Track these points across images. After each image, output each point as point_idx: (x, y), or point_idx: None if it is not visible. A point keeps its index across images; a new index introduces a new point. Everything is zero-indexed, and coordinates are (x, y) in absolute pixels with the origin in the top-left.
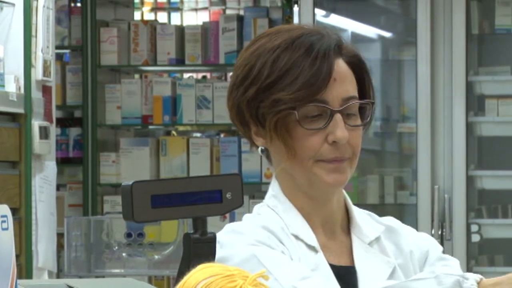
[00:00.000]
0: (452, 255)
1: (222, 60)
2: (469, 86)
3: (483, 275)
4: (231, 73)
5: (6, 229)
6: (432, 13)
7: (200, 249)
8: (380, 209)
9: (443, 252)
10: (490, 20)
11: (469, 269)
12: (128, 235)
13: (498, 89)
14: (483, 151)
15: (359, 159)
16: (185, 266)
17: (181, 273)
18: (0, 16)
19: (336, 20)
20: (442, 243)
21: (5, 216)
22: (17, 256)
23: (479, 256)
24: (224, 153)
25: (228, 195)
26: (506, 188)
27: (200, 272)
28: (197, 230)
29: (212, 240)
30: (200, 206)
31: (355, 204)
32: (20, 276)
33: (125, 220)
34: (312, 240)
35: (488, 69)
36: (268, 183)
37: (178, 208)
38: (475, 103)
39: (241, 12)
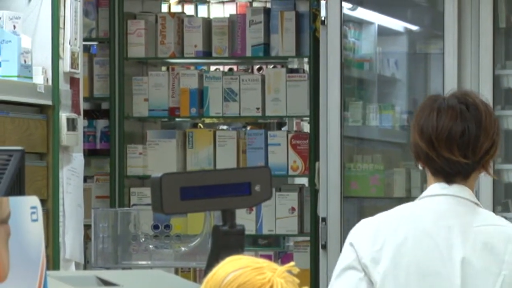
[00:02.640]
0: None
1: (249, 53)
2: (496, 80)
3: None
4: (257, 66)
5: (36, 220)
6: (459, 7)
7: (229, 241)
8: (406, 203)
9: None
10: None
11: None
12: (155, 227)
13: None
14: (510, 145)
15: (385, 152)
16: (214, 258)
17: (210, 265)
18: (28, 8)
19: (363, 13)
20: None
21: (35, 207)
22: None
23: None
24: (251, 145)
25: (257, 188)
26: None
27: (229, 264)
28: (226, 222)
29: (241, 233)
30: (229, 198)
31: (381, 198)
32: (47, 267)
33: (154, 212)
34: None
35: None
36: (294, 176)
37: (207, 200)
38: (502, 96)
39: (268, 5)
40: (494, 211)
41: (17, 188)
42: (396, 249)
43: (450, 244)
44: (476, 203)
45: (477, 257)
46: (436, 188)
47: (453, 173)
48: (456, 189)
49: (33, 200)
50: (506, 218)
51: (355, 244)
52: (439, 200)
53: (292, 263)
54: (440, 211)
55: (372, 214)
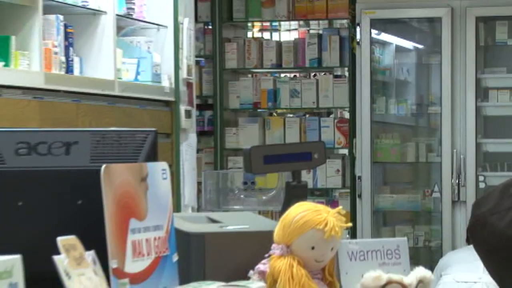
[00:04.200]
0: (465, 198)
1: (307, 64)
2: (478, 81)
3: None
4: (313, 73)
5: (165, 178)
6: (452, 32)
7: (297, 192)
8: (415, 166)
9: (459, 195)
10: (492, 35)
11: None
12: (245, 183)
13: (497, 83)
14: (487, 126)
15: (401, 131)
16: (287, 204)
17: (284, 209)
18: (158, 34)
19: (385, 37)
20: (458, 189)
21: (165, 169)
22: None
23: None
24: (309, 127)
25: (316, 156)
26: (503, 150)
27: (297, 208)
28: (294, 179)
29: (305, 186)
30: (296, 163)
31: (395, 164)
32: (173, 210)
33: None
34: None
35: (491, 69)
36: (338, 148)
37: (281, 164)
38: (482, 93)
39: (320, 31)
40: (476, 171)
41: (152, 157)
42: None
43: None
44: None
45: None
46: None
47: None
48: None
49: (163, 165)
50: (484, 176)
51: None
52: None
53: (340, 207)
54: None
55: (391, 174)
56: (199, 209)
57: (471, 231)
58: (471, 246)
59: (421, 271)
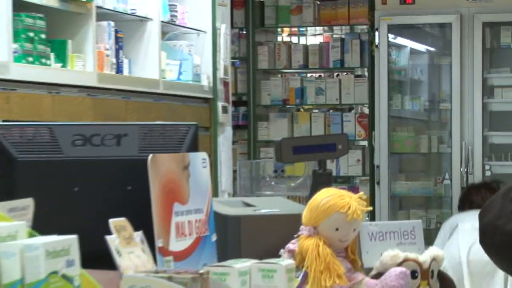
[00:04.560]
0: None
1: (331, 65)
2: (484, 80)
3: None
4: (336, 73)
5: (205, 167)
6: (461, 36)
7: (322, 179)
8: (427, 156)
9: (467, 182)
10: (497, 39)
11: None
12: (275, 171)
13: (502, 82)
14: (493, 120)
15: (415, 124)
16: (314, 189)
17: (311, 194)
18: (198, 39)
19: (401, 40)
20: (467, 177)
21: (205, 159)
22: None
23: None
24: (332, 122)
25: (339, 147)
26: (507, 142)
27: (323, 193)
28: (320, 168)
29: (330, 174)
30: (322, 153)
31: (410, 154)
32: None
33: (276, 161)
34: None
35: (496, 69)
36: (359, 140)
37: (308, 154)
38: (488, 90)
39: (343, 36)
40: (483, 160)
41: (193, 147)
42: None
43: None
44: None
45: None
46: None
47: None
48: None
49: (203, 155)
50: (490, 165)
51: None
52: None
53: (361, 193)
54: None
55: (406, 163)
56: (234, 194)
57: (482, 239)
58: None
59: (434, 250)
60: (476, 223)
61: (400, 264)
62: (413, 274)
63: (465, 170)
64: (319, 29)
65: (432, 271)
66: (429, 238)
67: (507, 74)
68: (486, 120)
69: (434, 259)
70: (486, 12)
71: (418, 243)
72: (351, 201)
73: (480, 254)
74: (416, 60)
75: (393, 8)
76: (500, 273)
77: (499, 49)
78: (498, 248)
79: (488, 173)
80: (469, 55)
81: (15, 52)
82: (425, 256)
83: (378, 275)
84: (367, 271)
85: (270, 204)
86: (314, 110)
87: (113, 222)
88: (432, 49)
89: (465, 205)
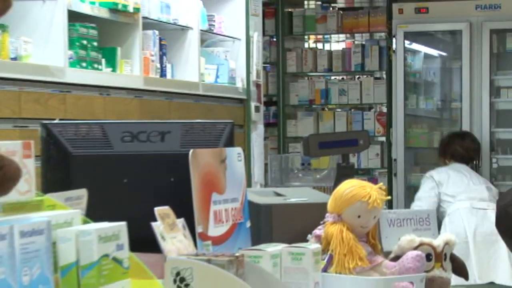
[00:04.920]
0: (482, 175)
1: (352, 69)
2: (491, 82)
3: (497, 187)
4: (357, 76)
5: (240, 160)
6: (470, 41)
7: (345, 171)
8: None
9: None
10: (503, 44)
11: (491, 181)
12: (302, 164)
13: (508, 83)
14: (499, 118)
15: (429, 122)
16: (337, 181)
17: (336, 185)
18: (233, 46)
19: (416, 46)
20: (476, 169)
21: (240, 153)
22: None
23: (498, 175)
24: (354, 119)
25: (361, 142)
26: (511, 138)
27: (346, 184)
28: (343, 161)
29: (352, 167)
30: (345, 148)
31: (424, 148)
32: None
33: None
34: None
35: (502, 72)
36: (378, 136)
37: (333, 149)
38: (494, 91)
39: (363, 42)
40: (490, 154)
41: (229, 143)
42: None
43: None
44: None
45: None
46: None
47: None
48: None
49: (238, 150)
50: (497, 158)
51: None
52: None
53: (381, 183)
54: None
55: (421, 157)
56: (266, 185)
57: (497, 222)
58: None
59: (447, 235)
60: (472, 195)
61: (416, 248)
62: (428, 257)
63: (474, 163)
64: (342, 36)
65: (445, 254)
66: (440, 224)
67: None
68: (493, 117)
69: (447, 243)
70: (493, 20)
71: (432, 228)
72: (371, 191)
73: (485, 235)
74: (430, 63)
75: (409, 17)
76: (504, 253)
77: (505, 53)
78: (509, 231)
79: (495, 165)
80: (478, 59)
81: (70, 58)
82: (438, 241)
83: (396, 258)
84: (386, 254)
85: (298, 194)
86: (337, 109)
87: (158, 210)
88: (444, 53)
89: (446, 154)
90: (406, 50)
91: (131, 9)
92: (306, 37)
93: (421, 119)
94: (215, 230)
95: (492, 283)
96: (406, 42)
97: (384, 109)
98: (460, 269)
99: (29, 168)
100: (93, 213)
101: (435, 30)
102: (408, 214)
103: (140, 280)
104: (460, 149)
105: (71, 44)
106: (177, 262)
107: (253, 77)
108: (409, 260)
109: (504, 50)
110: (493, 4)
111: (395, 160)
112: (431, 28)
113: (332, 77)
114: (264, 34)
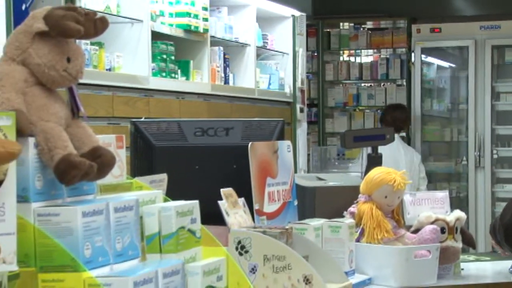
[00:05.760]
0: (484, 164)
1: (379, 77)
2: (492, 88)
3: (496, 174)
4: (382, 83)
5: (290, 151)
6: (475, 55)
7: (375, 161)
8: (449, 143)
9: (479, 163)
10: (503, 57)
11: (493, 172)
12: (338, 154)
13: (506, 89)
14: (499, 117)
15: (441, 120)
16: (368, 168)
17: (367, 171)
18: (282, 59)
19: (430, 59)
20: (479, 159)
21: (289, 145)
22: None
23: (497, 164)
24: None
25: (387, 136)
26: (509, 133)
27: (375, 170)
28: (373, 152)
29: (381, 157)
30: (375, 141)
31: (437, 142)
32: None
33: (341, 147)
34: None
35: (502, 80)
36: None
37: (365, 142)
38: (495, 95)
39: (388, 56)
40: (491, 147)
41: (281, 137)
42: None
43: None
44: None
45: None
46: None
47: None
48: None
49: (288, 142)
50: (497, 150)
51: None
52: None
53: (403, 170)
54: None
55: (434, 149)
56: (308, 171)
57: (506, 238)
58: None
59: (458, 212)
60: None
61: (432, 223)
62: (442, 230)
63: (478, 154)
64: (370, 51)
65: (456, 228)
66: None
67: (511, 83)
68: (494, 117)
69: (457, 219)
70: (494, 38)
71: (446, 207)
72: (396, 176)
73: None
74: (442, 73)
75: (425, 35)
76: None
77: (504, 65)
78: None
79: (495, 156)
80: (481, 70)
81: (153, 69)
82: (451, 217)
83: (416, 231)
84: (408, 228)
85: (336, 179)
86: (367, 110)
87: (223, 191)
88: (453, 65)
89: (382, 123)
90: (422, 63)
91: (201, 30)
92: (341, 52)
93: (435, 118)
94: (269, 207)
95: (495, 251)
96: (423, 56)
97: None
98: (468, 240)
99: (121, 156)
100: (172, 193)
101: (447, 46)
102: (426, 195)
103: (209, 248)
104: (390, 119)
105: (154, 58)
106: (238, 233)
107: (298, 84)
108: (427, 233)
109: (503, 62)
110: (494, 25)
111: None
112: (443, 45)
113: (362, 84)
114: (307, 50)
